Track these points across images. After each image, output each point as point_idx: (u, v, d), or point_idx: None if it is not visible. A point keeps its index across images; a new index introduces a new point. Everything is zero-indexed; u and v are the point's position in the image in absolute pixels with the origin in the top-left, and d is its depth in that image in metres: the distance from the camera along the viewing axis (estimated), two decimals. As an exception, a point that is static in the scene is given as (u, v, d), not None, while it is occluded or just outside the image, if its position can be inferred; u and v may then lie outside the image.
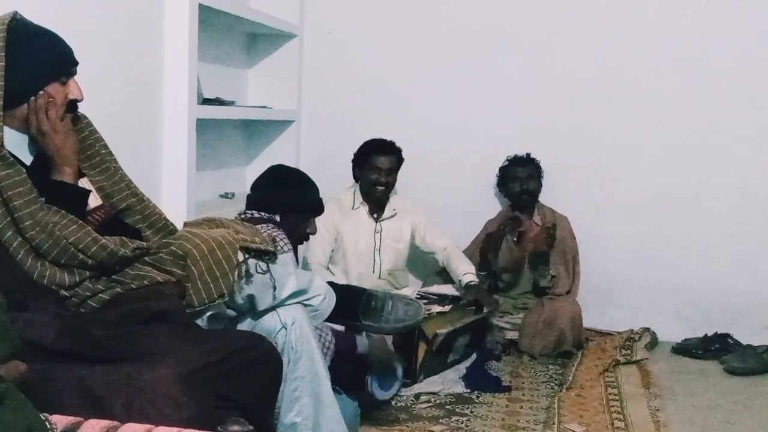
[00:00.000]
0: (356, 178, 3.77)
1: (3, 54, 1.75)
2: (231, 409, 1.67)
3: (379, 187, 3.68)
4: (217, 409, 1.60)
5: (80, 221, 1.77)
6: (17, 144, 1.82)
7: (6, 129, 1.79)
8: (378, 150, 3.68)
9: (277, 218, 2.78)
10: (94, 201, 1.93)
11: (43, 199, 1.77)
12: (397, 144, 3.73)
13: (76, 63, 1.89)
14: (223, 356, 1.69)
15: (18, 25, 1.81)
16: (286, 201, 2.81)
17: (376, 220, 3.74)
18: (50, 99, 1.82)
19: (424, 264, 4.04)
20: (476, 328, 3.45)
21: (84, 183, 1.92)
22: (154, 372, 1.53)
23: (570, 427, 2.82)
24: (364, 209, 3.74)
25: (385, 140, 3.71)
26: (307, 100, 4.33)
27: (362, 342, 2.79)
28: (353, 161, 3.74)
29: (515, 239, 3.84)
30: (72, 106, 1.88)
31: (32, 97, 1.80)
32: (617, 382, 3.34)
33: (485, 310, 3.52)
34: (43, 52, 1.82)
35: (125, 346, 1.68)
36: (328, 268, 3.66)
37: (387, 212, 3.76)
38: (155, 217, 2.00)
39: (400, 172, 3.78)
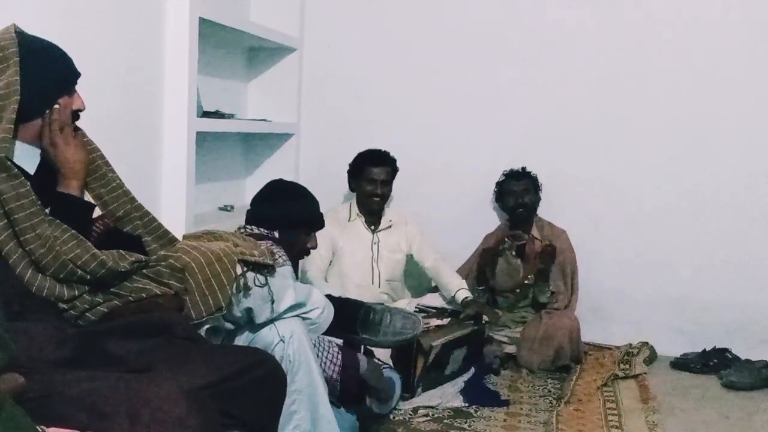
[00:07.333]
0: (352, 189, 3.80)
1: (18, 68, 1.76)
2: (235, 427, 1.67)
3: (375, 198, 3.70)
4: (222, 427, 1.59)
5: (80, 236, 1.77)
6: (23, 156, 1.82)
7: (17, 142, 1.80)
8: (373, 161, 3.71)
9: (276, 234, 2.77)
10: (95, 212, 1.93)
11: (48, 210, 1.78)
12: (396, 156, 3.76)
13: (79, 74, 1.90)
14: (230, 374, 1.69)
15: (25, 39, 1.82)
16: (283, 216, 2.78)
17: (373, 231, 3.76)
18: (63, 112, 1.84)
19: (418, 278, 4.03)
20: (474, 342, 3.45)
21: (86, 195, 1.93)
22: (160, 388, 1.52)
23: (568, 441, 2.82)
24: (360, 221, 3.76)
25: (379, 150, 3.75)
26: (307, 113, 4.34)
27: (362, 361, 2.78)
28: (349, 172, 3.78)
29: (514, 254, 3.85)
30: (74, 116, 1.90)
31: (47, 111, 1.82)
32: (615, 396, 3.33)
33: (484, 321, 3.52)
34: (56, 66, 1.84)
35: (130, 359, 1.68)
36: (325, 279, 3.66)
37: (383, 223, 3.78)
38: (155, 224, 1.99)
39: (399, 185, 3.79)
